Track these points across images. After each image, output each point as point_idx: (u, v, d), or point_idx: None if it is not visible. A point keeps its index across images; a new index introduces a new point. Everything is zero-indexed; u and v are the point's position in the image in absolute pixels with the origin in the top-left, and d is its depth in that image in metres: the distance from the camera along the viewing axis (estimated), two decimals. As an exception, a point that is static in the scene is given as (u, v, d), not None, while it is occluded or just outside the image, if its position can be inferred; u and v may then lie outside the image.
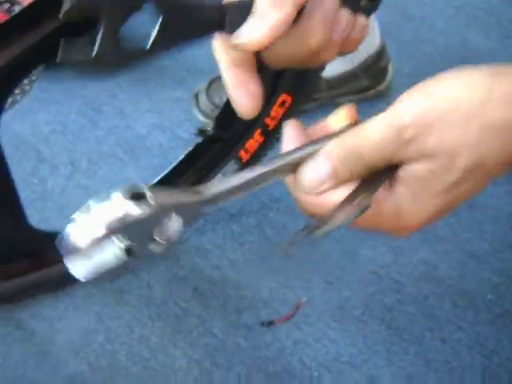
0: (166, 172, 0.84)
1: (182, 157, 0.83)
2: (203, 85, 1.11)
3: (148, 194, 0.34)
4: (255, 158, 0.85)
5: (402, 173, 0.39)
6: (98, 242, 0.33)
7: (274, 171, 0.39)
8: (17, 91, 0.67)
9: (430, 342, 0.88)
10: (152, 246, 0.35)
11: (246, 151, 0.83)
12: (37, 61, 0.62)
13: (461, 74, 0.37)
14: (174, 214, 0.34)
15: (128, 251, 0.34)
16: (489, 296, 0.92)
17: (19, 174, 0.94)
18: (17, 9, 0.62)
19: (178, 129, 1.12)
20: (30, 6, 0.55)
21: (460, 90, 0.36)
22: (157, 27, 0.38)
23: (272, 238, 0.98)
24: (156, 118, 1.13)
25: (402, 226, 0.40)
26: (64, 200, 1.03)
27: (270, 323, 0.89)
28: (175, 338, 0.87)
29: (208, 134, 0.80)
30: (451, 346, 0.87)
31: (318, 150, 0.40)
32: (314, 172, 0.40)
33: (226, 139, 0.82)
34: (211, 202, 0.36)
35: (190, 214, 0.35)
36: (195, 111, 1.10)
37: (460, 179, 0.37)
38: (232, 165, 0.85)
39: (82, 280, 0.35)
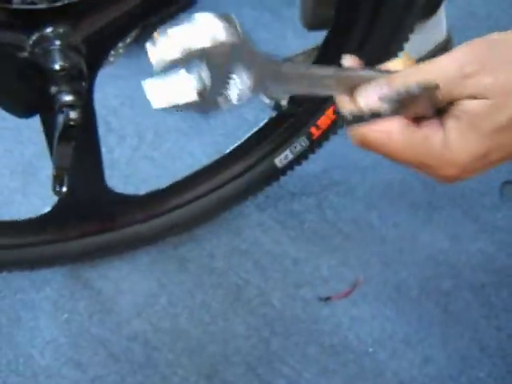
0: (240, 142, 0.87)
1: (256, 128, 0.86)
2: (270, 68, 1.14)
3: (238, 23, 0.33)
4: (325, 136, 0.87)
5: (455, 108, 0.40)
6: (177, 66, 0.33)
7: (338, 79, 0.39)
8: (112, 53, 0.71)
9: (486, 329, 0.89)
10: (220, 99, 0.34)
11: (318, 128, 0.85)
12: (138, 21, 0.66)
13: None
14: (246, 72, 0.34)
15: (200, 92, 0.34)
16: (545, 288, 0.92)
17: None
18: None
19: (242, 109, 1.14)
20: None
21: None
22: None
23: (331, 218, 1.00)
24: (221, 97, 1.16)
25: (447, 162, 0.41)
26: (130, 169, 1.07)
27: (328, 299, 0.91)
28: (235, 306, 0.90)
29: (283, 108, 0.83)
30: (507, 333, 0.88)
31: (378, 78, 0.41)
32: (375, 93, 0.41)
33: (299, 114, 0.84)
34: (282, 77, 0.36)
35: (259, 77, 0.35)
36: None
37: (511, 121, 0.39)
38: (303, 140, 0.87)
39: (158, 108, 0.34)
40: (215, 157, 0.92)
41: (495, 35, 0.41)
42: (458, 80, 0.39)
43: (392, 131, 0.41)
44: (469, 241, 0.97)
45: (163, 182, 0.93)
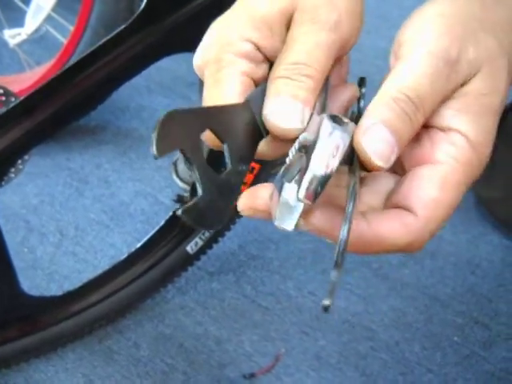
0: (149, 235, 0.91)
1: (162, 222, 0.90)
2: (181, 153, 1.19)
3: None
4: (230, 220, 0.92)
5: (456, 105, 0.32)
6: None
7: None
8: (12, 170, 0.75)
9: (403, 385, 0.93)
10: None
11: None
12: (34, 142, 0.70)
13: None
14: None
15: None
16: (455, 338, 0.98)
17: (10, 243, 1.00)
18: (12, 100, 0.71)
19: (159, 195, 1.19)
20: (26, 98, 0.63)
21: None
22: None
23: (250, 294, 1.05)
24: (138, 185, 1.21)
25: (480, 157, 0.33)
26: (53, 267, 1.09)
27: (252, 375, 0.94)
28: (162, 394, 0.92)
29: (186, 200, 0.88)
30: (422, 387, 0.93)
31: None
32: (379, 146, 0.31)
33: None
34: None
35: None
36: (174, 178, 1.18)
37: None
38: (209, 227, 0.92)
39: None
40: (136, 245, 0.95)
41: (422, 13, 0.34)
42: (453, 68, 0.32)
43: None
44: (380, 300, 1.03)
45: (86, 277, 0.96)
